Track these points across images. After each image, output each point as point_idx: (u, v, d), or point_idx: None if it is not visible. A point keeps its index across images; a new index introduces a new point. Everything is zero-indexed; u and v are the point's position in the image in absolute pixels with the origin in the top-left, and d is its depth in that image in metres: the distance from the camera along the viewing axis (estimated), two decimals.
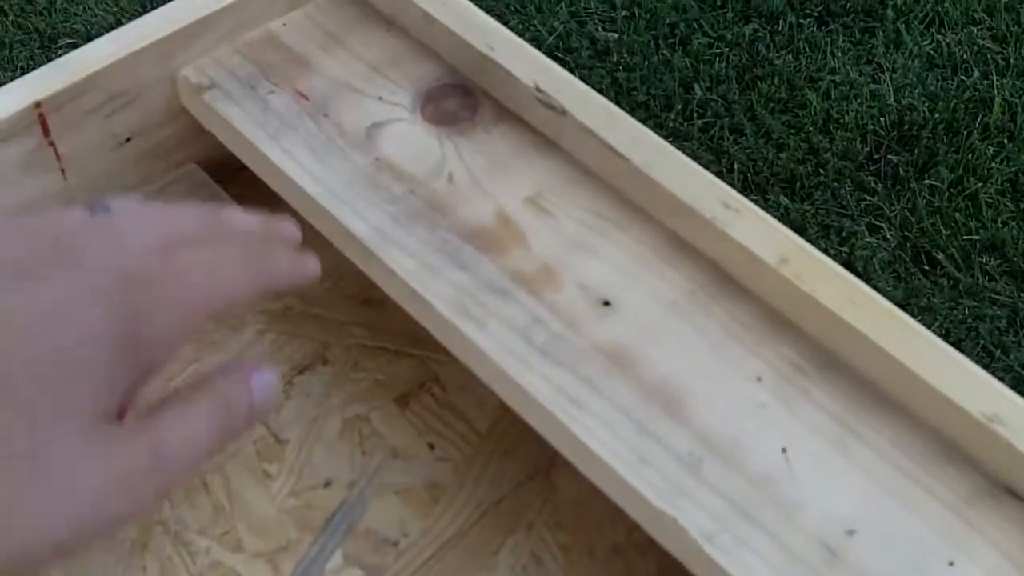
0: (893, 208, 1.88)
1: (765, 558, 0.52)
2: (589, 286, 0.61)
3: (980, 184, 1.89)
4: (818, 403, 0.57)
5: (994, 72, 2.05)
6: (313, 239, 0.64)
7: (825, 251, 1.76)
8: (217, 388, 0.42)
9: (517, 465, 0.66)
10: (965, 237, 1.83)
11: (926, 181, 1.91)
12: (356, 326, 0.71)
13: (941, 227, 1.84)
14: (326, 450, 0.66)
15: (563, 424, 0.56)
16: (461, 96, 0.70)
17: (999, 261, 1.81)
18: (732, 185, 1.87)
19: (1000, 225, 1.84)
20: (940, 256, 1.81)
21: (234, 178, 0.73)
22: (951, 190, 1.90)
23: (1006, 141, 1.95)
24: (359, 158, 0.66)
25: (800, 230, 1.78)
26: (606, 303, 0.61)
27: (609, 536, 0.64)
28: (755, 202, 1.78)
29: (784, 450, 0.55)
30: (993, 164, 1.92)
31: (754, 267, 0.60)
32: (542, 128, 0.68)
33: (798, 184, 1.92)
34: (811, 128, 1.99)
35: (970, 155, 1.93)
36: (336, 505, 0.64)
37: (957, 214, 1.86)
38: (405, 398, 0.69)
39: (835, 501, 0.54)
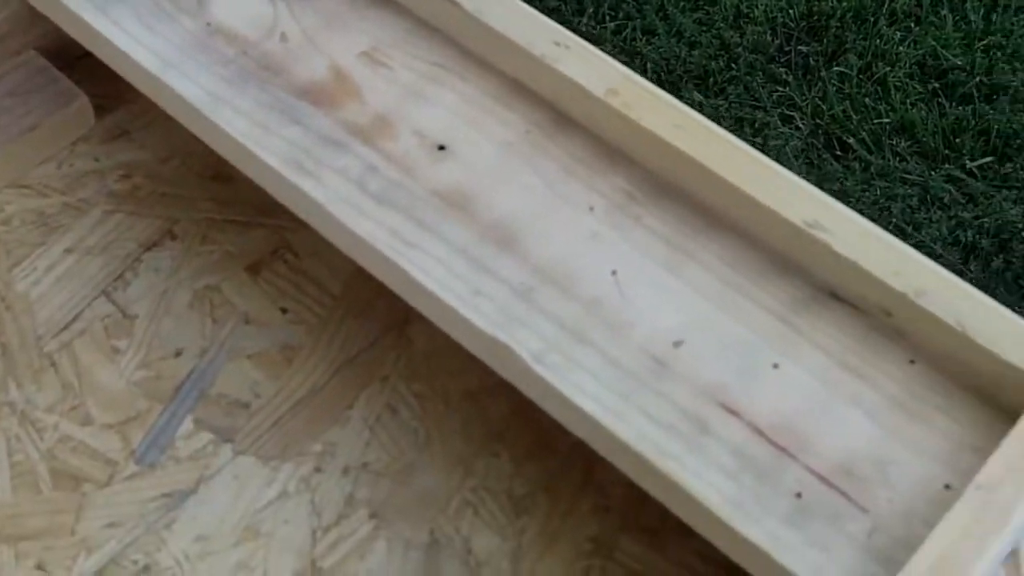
0: (804, 97, 1.88)
1: (594, 374, 0.52)
2: (425, 133, 0.61)
3: (889, 69, 1.90)
4: (649, 227, 0.57)
5: None
6: (165, 119, 0.64)
7: None
8: None
9: (371, 323, 0.66)
10: (875, 121, 1.84)
11: (836, 69, 1.91)
12: (205, 201, 0.71)
13: (852, 113, 1.85)
14: (176, 322, 0.66)
15: (397, 265, 0.56)
16: None
17: (909, 142, 1.82)
18: None
19: (909, 107, 1.85)
20: (851, 141, 1.82)
21: (76, 64, 0.72)
22: (860, 76, 1.90)
23: (913, 25, 1.96)
24: (190, 23, 0.65)
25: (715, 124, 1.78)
26: (441, 148, 0.61)
27: (462, 383, 0.64)
28: None
29: (615, 273, 0.56)
30: (901, 48, 1.93)
31: (585, 101, 0.60)
32: None
33: (711, 80, 1.92)
34: (722, 24, 1.99)
35: (878, 41, 1.93)
36: (187, 374, 0.64)
37: (867, 99, 1.87)
38: (257, 267, 0.69)
39: (663, 317, 0.54)
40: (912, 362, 0.53)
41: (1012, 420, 0.49)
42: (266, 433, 0.63)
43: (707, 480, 0.50)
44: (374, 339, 0.66)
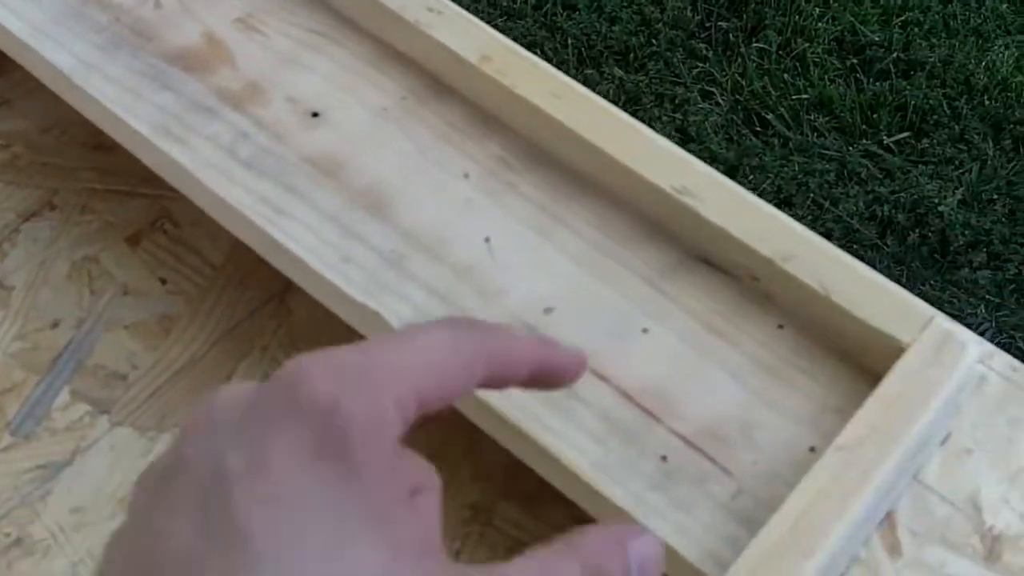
0: (724, 73, 1.89)
1: None
2: (298, 99, 0.61)
3: (807, 44, 1.91)
4: (523, 194, 0.57)
5: None
6: (47, 89, 0.63)
7: (659, 119, 1.78)
8: (590, 549, 0.36)
9: (251, 293, 0.66)
10: (794, 97, 1.86)
11: (755, 45, 1.92)
12: (86, 171, 0.70)
13: (771, 88, 1.86)
14: (53, 292, 0.65)
15: (265, 231, 0.56)
16: None
17: (827, 118, 1.84)
18: (566, 60, 1.88)
19: (828, 83, 1.87)
20: (770, 116, 1.83)
21: None
22: (779, 52, 1.91)
23: (832, 1, 1.97)
24: None
25: (635, 100, 1.79)
26: (315, 115, 0.60)
27: None
28: (589, 75, 1.78)
29: (487, 240, 0.56)
30: (820, 24, 1.94)
31: (459, 67, 0.60)
32: None
33: (632, 55, 1.92)
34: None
35: (797, 17, 1.94)
36: (64, 344, 0.63)
37: (786, 75, 1.88)
38: (136, 237, 0.68)
39: (535, 283, 0.54)
40: (780, 326, 0.54)
41: (876, 382, 0.50)
42: (143, 404, 0.62)
43: (574, 445, 0.50)
44: (254, 309, 0.65)
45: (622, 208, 0.56)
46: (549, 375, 0.40)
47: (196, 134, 0.59)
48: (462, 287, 0.54)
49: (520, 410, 0.50)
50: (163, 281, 0.66)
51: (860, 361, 0.52)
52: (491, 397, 0.50)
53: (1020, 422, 0.53)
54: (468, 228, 0.56)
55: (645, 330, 0.53)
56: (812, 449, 0.50)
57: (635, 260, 0.55)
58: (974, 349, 0.50)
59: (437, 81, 0.61)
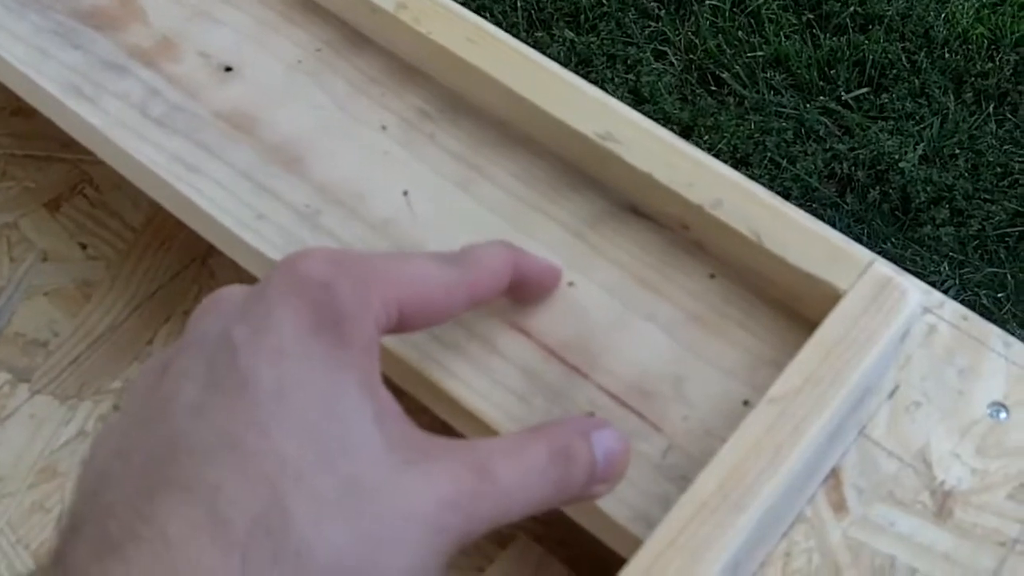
0: (677, 32, 1.87)
1: None
2: (211, 54, 0.58)
3: (762, 0, 1.89)
4: (442, 145, 0.55)
5: None
6: None
7: (611, 80, 1.76)
8: (557, 433, 0.40)
9: (173, 256, 0.64)
10: (749, 54, 1.83)
11: (708, 2, 1.90)
12: (4, 136, 0.68)
13: (725, 47, 1.84)
14: None
15: (177, 190, 0.53)
16: None
17: (784, 75, 1.82)
18: (516, 23, 1.85)
19: (783, 39, 1.85)
20: (725, 75, 1.81)
21: None
22: (733, 9, 1.89)
23: None
24: None
25: (586, 62, 1.76)
26: (228, 69, 0.58)
27: None
28: (540, 38, 1.75)
29: (406, 193, 0.53)
30: None
31: (374, 16, 0.57)
32: None
33: (582, 17, 1.89)
34: None
35: None
36: None
37: (740, 32, 1.86)
38: (56, 202, 0.65)
39: (456, 237, 0.52)
40: (712, 276, 0.52)
41: (811, 331, 0.48)
42: (64, 371, 0.60)
43: (495, 402, 0.48)
44: (175, 272, 0.63)
45: (544, 157, 0.54)
46: (522, 283, 0.47)
47: (107, 93, 0.56)
48: (380, 242, 0.52)
49: (435, 365, 0.48)
50: (83, 247, 0.64)
51: (795, 310, 0.50)
52: (404, 352, 0.48)
53: (971, 372, 0.52)
54: (386, 182, 0.54)
55: (571, 283, 0.51)
56: (746, 403, 0.48)
57: (560, 211, 0.53)
58: (916, 295, 0.48)
59: (354, 31, 0.59)
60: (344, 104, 0.56)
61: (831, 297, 0.48)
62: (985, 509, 0.49)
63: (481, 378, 0.48)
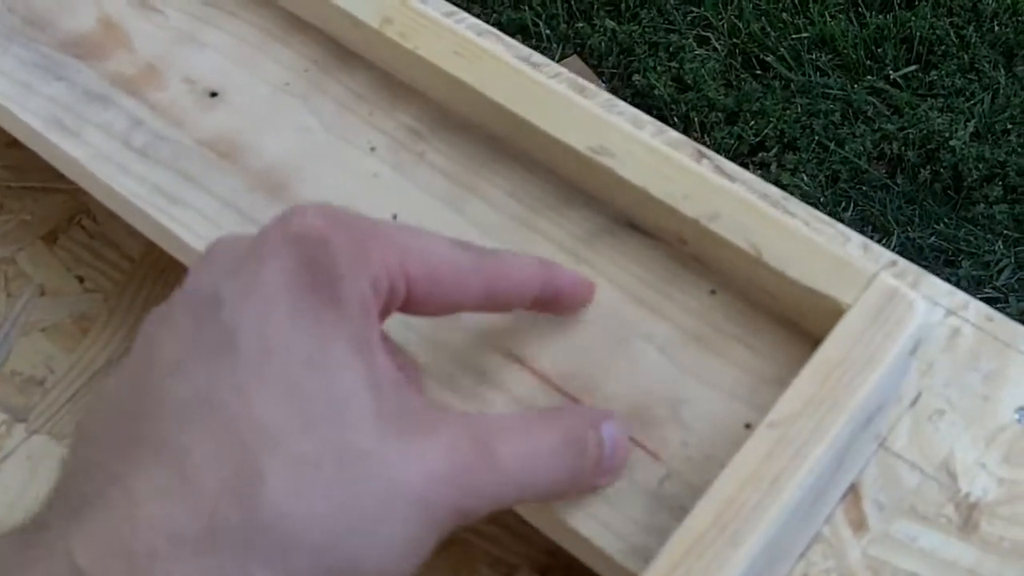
0: (720, 17, 1.83)
1: None
2: (196, 79, 0.57)
3: None
4: (433, 164, 0.53)
5: None
6: None
7: (654, 68, 1.73)
8: (570, 422, 0.40)
9: (171, 286, 0.62)
10: (794, 36, 1.80)
11: None
12: (0, 169, 0.67)
13: (769, 29, 1.80)
14: None
15: (159, 223, 0.52)
16: None
17: (830, 55, 1.78)
18: (556, 15, 1.83)
19: (828, 19, 1.81)
20: (770, 59, 1.78)
21: None
22: None
23: None
24: None
25: (628, 51, 1.74)
26: (213, 94, 0.56)
27: None
28: (581, 29, 1.73)
29: (395, 216, 0.52)
30: None
31: (359, 32, 0.56)
32: None
33: (623, 5, 1.87)
34: None
35: None
36: None
37: (784, 14, 1.82)
38: (54, 234, 0.64)
39: None
40: (713, 292, 0.50)
41: (816, 348, 0.46)
42: (61, 410, 0.59)
43: None
44: None
45: (537, 173, 0.52)
46: (554, 298, 0.45)
47: (90, 125, 0.55)
48: None
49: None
50: (80, 279, 0.63)
51: (799, 325, 0.48)
52: None
53: (997, 376, 0.49)
54: (375, 205, 0.52)
55: None
56: (748, 426, 0.46)
57: (554, 229, 0.51)
58: (924, 305, 0.46)
59: (342, 49, 0.57)
60: (332, 125, 0.55)
61: (835, 312, 0.46)
62: (1013, 521, 0.46)
63: (476, 408, 0.47)
